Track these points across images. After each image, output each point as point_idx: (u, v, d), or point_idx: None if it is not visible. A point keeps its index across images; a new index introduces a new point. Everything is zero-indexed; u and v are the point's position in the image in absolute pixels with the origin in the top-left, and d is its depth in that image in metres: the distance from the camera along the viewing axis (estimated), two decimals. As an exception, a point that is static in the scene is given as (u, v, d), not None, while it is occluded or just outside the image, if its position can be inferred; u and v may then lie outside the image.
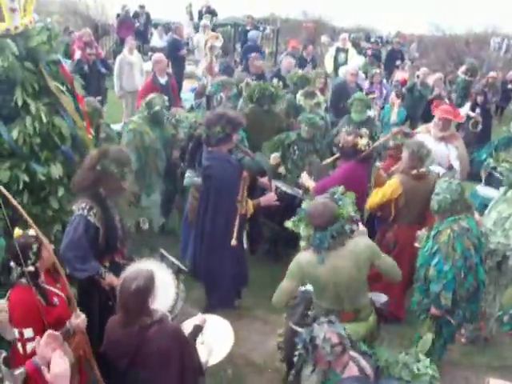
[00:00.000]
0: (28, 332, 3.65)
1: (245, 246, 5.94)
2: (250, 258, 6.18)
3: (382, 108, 10.80)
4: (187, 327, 4.08)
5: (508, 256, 5.25)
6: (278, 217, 6.42)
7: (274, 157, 6.55)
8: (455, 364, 5.47)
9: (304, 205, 4.37)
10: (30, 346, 3.61)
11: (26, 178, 4.67)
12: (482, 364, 5.56)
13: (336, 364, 3.11)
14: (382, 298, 4.66)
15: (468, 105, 11.06)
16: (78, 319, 3.67)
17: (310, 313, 4.45)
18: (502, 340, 5.88)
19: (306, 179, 6.15)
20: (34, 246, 3.67)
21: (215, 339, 4.22)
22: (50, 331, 3.14)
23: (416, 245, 5.12)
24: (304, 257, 4.16)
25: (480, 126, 10.33)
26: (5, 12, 4.42)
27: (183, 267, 4.75)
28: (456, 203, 4.60)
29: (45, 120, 4.71)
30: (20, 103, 4.58)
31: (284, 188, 6.49)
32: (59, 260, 3.79)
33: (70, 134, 4.99)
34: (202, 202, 5.59)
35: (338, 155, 6.36)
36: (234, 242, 5.28)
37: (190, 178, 6.10)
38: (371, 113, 8.53)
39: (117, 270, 4.28)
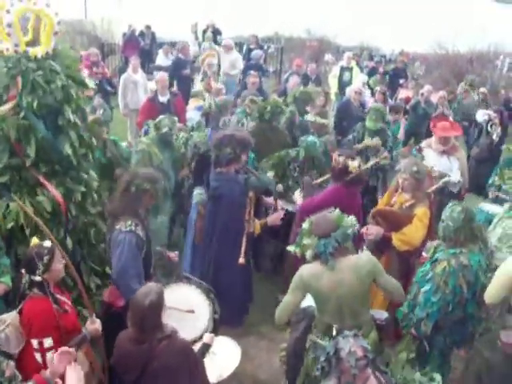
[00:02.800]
0: (48, 341, 3.70)
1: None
2: (256, 275, 6.23)
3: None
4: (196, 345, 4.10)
5: None
6: (281, 234, 6.47)
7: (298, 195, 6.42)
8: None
9: (304, 225, 4.39)
10: (49, 355, 3.61)
11: (83, 189, 4.88)
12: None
13: (359, 378, 3.10)
14: (383, 314, 4.68)
15: (482, 111, 11.00)
16: (95, 324, 3.77)
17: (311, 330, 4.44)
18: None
19: (297, 196, 6.17)
20: (45, 258, 3.72)
21: (222, 357, 4.24)
22: (63, 348, 3.18)
23: (424, 254, 5.11)
24: (307, 269, 4.19)
25: (498, 133, 10.22)
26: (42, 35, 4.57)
27: (210, 287, 4.80)
28: (459, 231, 4.49)
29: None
30: (68, 120, 4.70)
31: (285, 206, 6.52)
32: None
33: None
34: (209, 222, 5.61)
35: (328, 175, 6.23)
36: (241, 260, 5.31)
37: (201, 195, 6.07)
38: None
39: None
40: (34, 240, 3.89)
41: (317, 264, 4.16)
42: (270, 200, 6.10)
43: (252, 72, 10.94)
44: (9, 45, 4.46)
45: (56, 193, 4.61)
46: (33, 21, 4.60)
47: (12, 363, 3.01)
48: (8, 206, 4.50)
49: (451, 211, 4.55)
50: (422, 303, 4.56)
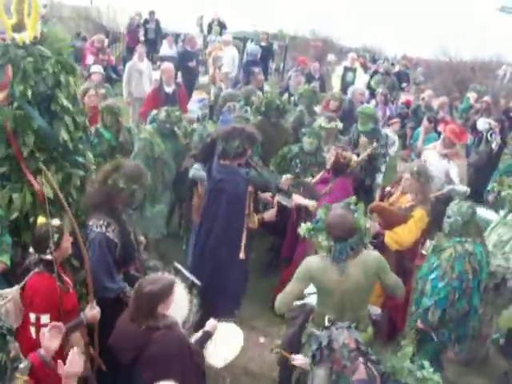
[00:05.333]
0: (45, 318, 3.72)
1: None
2: (251, 270, 6.23)
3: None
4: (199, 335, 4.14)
5: (507, 279, 5.33)
6: (278, 229, 6.52)
7: (286, 178, 6.46)
8: (448, 383, 5.48)
9: (319, 213, 4.39)
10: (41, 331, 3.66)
11: (82, 173, 4.79)
12: (477, 384, 5.61)
13: (349, 368, 3.14)
14: (377, 310, 4.75)
15: (483, 120, 11.09)
16: (94, 311, 3.77)
17: (308, 324, 4.46)
18: (497, 361, 5.93)
19: (300, 199, 6.12)
20: (56, 236, 3.75)
21: (225, 343, 4.27)
22: (53, 323, 3.24)
23: (423, 252, 5.18)
24: (314, 261, 4.20)
25: (498, 141, 10.30)
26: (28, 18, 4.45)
27: (197, 282, 4.82)
28: (467, 225, 4.65)
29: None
30: (61, 105, 4.62)
31: (284, 202, 6.57)
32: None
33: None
34: (209, 214, 5.54)
35: (323, 172, 6.31)
36: (242, 255, 5.35)
37: (197, 170, 6.09)
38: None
39: (130, 281, 4.31)
40: (41, 219, 3.89)
41: (324, 257, 4.17)
42: (267, 195, 6.06)
43: (256, 69, 10.99)
44: None
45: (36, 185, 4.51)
46: (15, 4, 4.41)
47: (16, 344, 3.04)
48: (11, 197, 4.44)
49: (459, 207, 4.68)
50: (429, 291, 4.64)
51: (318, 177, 6.45)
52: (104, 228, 4.28)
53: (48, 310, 3.75)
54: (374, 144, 7.19)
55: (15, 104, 4.37)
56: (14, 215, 4.42)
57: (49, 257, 3.75)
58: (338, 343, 3.13)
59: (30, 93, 4.33)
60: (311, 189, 6.14)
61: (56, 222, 3.85)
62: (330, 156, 6.04)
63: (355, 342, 3.18)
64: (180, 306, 4.44)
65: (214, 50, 11.17)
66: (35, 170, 4.49)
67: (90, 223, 4.34)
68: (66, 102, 4.58)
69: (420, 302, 4.85)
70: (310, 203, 5.97)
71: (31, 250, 3.84)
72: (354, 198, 4.40)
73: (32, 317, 3.75)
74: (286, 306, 4.36)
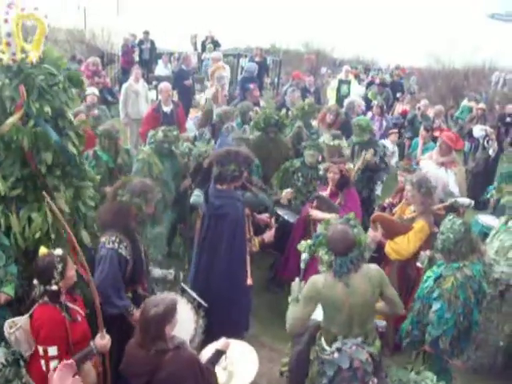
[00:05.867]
0: (52, 350, 3.71)
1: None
2: (255, 286, 6.21)
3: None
4: (209, 351, 4.14)
5: (511, 285, 5.35)
6: (280, 244, 6.52)
7: (287, 192, 6.52)
8: (458, 392, 5.50)
9: (320, 228, 4.43)
10: (53, 364, 3.68)
11: (90, 184, 4.96)
12: (486, 392, 5.61)
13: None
14: (381, 322, 4.76)
15: (479, 127, 11.15)
16: (104, 340, 3.75)
17: (316, 341, 4.46)
18: (505, 368, 5.89)
19: (319, 213, 6.07)
20: (59, 266, 3.75)
21: (239, 365, 4.24)
22: (63, 362, 3.21)
23: (418, 264, 5.19)
24: (319, 280, 4.19)
25: (495, 148, 10.35)
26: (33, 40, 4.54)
27: (203, 303, 4.81)
28: (460, 243, 4.55)
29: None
30: (69, 121, 4.74)
31: (286, 216, 6.58)
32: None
33: None
34: (212, 241, 5.39)
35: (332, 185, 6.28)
36: (250, 281, 5.32)
37: (198, 197, 5.99)
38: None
39: (138, 301, 4.35)
40: (43, 249, 3.89)
41: (329, 274, 4.17)
42: (263, 217, 6.00)
43: (252, 85, 11.05)
44: (7, 54, 4.37)
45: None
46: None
47: (24, 370, 3.04)
48: (30, 217, 4.47)
49: (452, 224, 4.61)
50: (435, 322, 4.57)
51: (328, 189, 6.37)
52: (116, 244, 4.32)
53: (55, 342, 3.73)
54: (367, 155, 7.24)
55: (31, 122, 4.41)
56: (37, 235, 4.45)
57: (54, 287, 3.74)
58: (359, 361, 3.10)
59: (47, 109, 4.39)
60: (328, 202, 6.12)
61: (59, 251, 3.85)
62: (332, 175, 6.10)
63: (371, 357, 3.18)
64: (186, 326, 4.46)
65: (218, 69, 11.18)
66: (53, 188, 4.57)
67: (103, 240, 4.39)
68: (72, 118, 4.71)
69: (415, 322, 4.81)
70: (331, 216, 5.85)
71: (35, 281, 3.82)
72: (352, 214, 4.45)
73: (40, 349, 3.74)
74: (298, 329, 4.36)
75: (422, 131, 9.65)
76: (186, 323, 4.44)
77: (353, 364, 3.07)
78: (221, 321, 5.17)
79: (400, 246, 5.55)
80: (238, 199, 5.34)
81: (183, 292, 4.81)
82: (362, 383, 3.05)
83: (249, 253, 5.41)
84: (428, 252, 5.18)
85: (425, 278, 4.86)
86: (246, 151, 5.47)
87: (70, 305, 3.89)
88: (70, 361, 3.33)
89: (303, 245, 4.51)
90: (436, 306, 4.59)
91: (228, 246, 5.28)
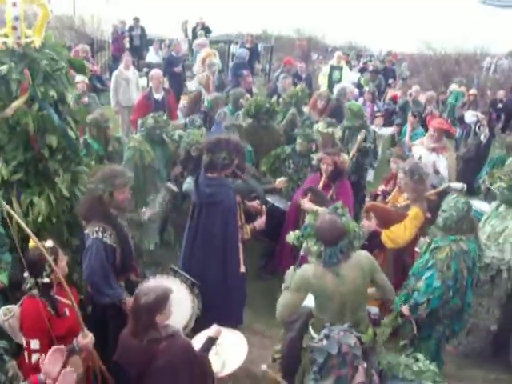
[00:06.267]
0: (34, 343, 3.71)
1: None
2: (247, 274, 6.22)
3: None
4: (201, 338, 4.15)
5: (502, 270, 5.38)
6: (271, 232, 6.49)
7: (281, 181, 6.50)
8: (450, 376, 5.45)
9: (308, 219, 4.42)
10: (34, 357, 3.68)
11: (87, 170, 4.97)
12: (477, 376, 5.66)
13: (348, 372, 3.12)
14: (374, 309, 4.77)
15: (470, 113, 11.17)
16: (86, 339, 3.69)
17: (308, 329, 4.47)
18: (497, 353, 5.94)
19: (310, 205, 6.01)
20: (50, 258, 3.68)
21: (229, 351, 4.28)
22: (55, 347, 3.19)
23: (416, 249, 5.22)
24: (309, 269, 4.18)
25: (486, 134, 10.38)
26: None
27: (196, 281, 4.81)
28: (462, 221, 4.65)
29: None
30: (68, 106, 4.77)
31: (276, 203, 6.57)
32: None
33: None
34: (205, 229, 5.36)
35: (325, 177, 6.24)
36: (243, 268, 5.32)
37: (190, 184, 5.98)
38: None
39: (132, 288, 4.32)
40: (32, 243, 3.80)
41: (318, 264, 4.16)
42: (254, 204, 5.96)
43: (245, 72, 11.00)
44: (12, 38, 4.38)
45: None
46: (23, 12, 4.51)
47: (14, 363, 3.02)
48: (32, 201, 4.50)
49: (456, 202, 4.68)
50: (422, 288, 4.65)
51: (322, 181, 6.31)
52: (100, 234, 4.31)
53: (36, 335, 3.72)
54: (359, 137, 7.23)
55: (35, 106, 4.42)
56: (40, 219, 4.49)
57: (46, 280, 3.73)
58: (348, 346, 3.09)
59: (52, 93, 4.42)
60: (320, 195, 6.07)
61: (49, 243, 3.81)
62: (326, 166, 6.07)
63: (359, 341, 3.18)
64: (183, 306, 4.50)
65: (209, 56, 11.11)
66: (53, 172, 4.62)
67: (86, 231, 4.38)
68: (71, 102, 4.73)
69: (406, 297, 4.87)
70: (321, 209, 5.89)
71: (26, 274, 3.78)
72: (340, 203, 4.43)
73: (24, 341, 3.75)
74: (287, 316, 4.36)
75: (409, 117, 9.68)
76: (182, 302, 4.49)
77: (341, 349, 3.06)
78: (215, 310, 5.15)
79: (396, 235, 5.56)
80: (230, 187, 5.30)
81: (175, 273, 4.80)
82: (352, 368, 3.05)
83: (241, 240, 5.39)
84: (427, 238, 5.19)
85: (421, 255, 4.94)
86: (236, 139, 5.42)
87: (60, 298, 3.85)
88: (62, 346, 3.31)
89: (292, 236, 4.51)
90: (427, 273, 4.67)
91: (221, 234, 5.26)
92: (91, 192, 4.43)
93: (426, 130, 8.23)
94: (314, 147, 7.11)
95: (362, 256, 4.25)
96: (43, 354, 3.38)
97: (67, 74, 4.63)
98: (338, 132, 7.23)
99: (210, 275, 5.33)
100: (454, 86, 14.07)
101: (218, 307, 5.25)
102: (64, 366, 3.25)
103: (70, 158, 4.84)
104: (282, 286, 4.48)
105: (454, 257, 4.56)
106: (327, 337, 3.18)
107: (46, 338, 3.73)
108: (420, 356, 3.51)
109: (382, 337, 4.82)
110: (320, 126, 7.14)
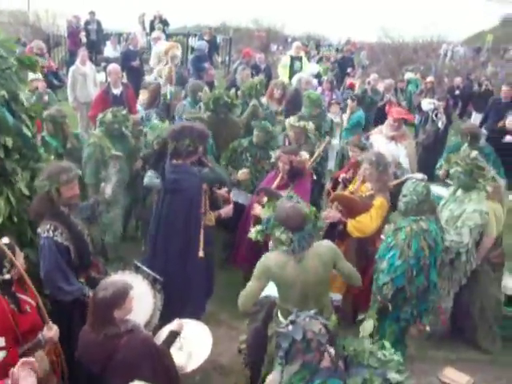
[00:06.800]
0: (0, 341, 3.63)
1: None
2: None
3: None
4: (165, 333, 4.15)
5: (461, 253, 5.50)
6: (230, 223, 6.48)
7: (243, 172, 6.50)
8: (412, 358, 5.61)
9: (265, 212, 4.43)
10: (1, 355, 3.60)
11: (44, 165, 4.80)
12: (438, 357, 5.78)
13: (313, 357, 3.15)
14: (337, 296, 4.84)
15: (427, 100, 11.34)
16: (51, 332, 3.68)
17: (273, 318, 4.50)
18: (457, 334, 6.12)
19: (259, 210, 5.75)
20: (8, 256, 3.64)
21: (194, 343, 4.30)
22: (22, 360, 3.09)
23: (382, 237, 5.31)
24: (271, 258, 4.20)
25: (444, 121, 10.57)
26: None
27: (158, 277, 4.80)
28: (422, 204, 4.75)
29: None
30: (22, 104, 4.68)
31: (239, 199, 6.60)
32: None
33: None
34: (168, 215, 5.42)
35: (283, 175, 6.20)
36: (201, 253, 5.31)
37: (151, 178, 6.06)
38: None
39: (93, 285, 4.25)
40: None
41: (280, 252, 4.18)
42: (222, 192, 6.03)
43: (207, 65, 10.96)
44: None
45: None
46: None
47: None
48: None
49: (415, 186, 4.80)
50: (386, 269, 4.75)
51: (277, 180, 6.26)
52: (51, 232, 4.26)
53: (1, 333, 3.63)
54: (327, 138, 7.30)
55: None
56: (0, 219, 4.41)
57: (7, 276, 3.67)
58: (312, 332, 3.13)
59: (3, 92, 4.34)
60: (274, 194, 5.87)
61: (5, 239, 3.75)
62: (282, 165, 6.05)
63: (325, 328, 3.23)
64: (145, 302, 4.47)
65: (171, 48, 11.01)
66: (12, 171, 4.55)
67: (39, 230, 4.33)
68: (24, 101, 4.64)
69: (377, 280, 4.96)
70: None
71: None
72: (292, 192, 4.48)
73: None
74: (249, 305, 4.34)
75: (348, 101, 10.12)
76: (143, 298, 4.45)
77: (306, 335, 3.09)
78: (176, 300, 5.19)
79: (363, 224, 5.62)
80: (194, 174, 5.35)
81: (137, 269, 4.79)
82: (318, 353, 3.10)
83: (203, 226, 5.40)
84: (392, 225, 5.28)
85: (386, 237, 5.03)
86: (200, 126, 5.49)
87: (20, 295, 3.79)
88: (30, 359, 3.24)
89: (253, 233, 4.53)
90: (389, 254, 4.77)
91: (183, 221, 5.33)
92: (39, 189, 4.36)
93: (385, 119, 8.31)
94: (286, 142, 7.14)
95: (323, 246, 4.30)
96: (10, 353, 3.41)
97: (17, 71, 4.54)
98: (310, 124, 7.18)
99: (171, 262, 5.38)
100: (409, 74, 14.29)
101: (179, 296, 5.28)
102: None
103: (28, 156, 4.78)
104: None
105: (414, 235, 4.66)
106: (293, 322, 3.22)
107: (11, 334, 3.67)
108: (387, 344, 3.56)
109: (368, 329, 4.88)
110: (292, 120, 7.15)
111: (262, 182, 6.39)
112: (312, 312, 3.32)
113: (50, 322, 3.71)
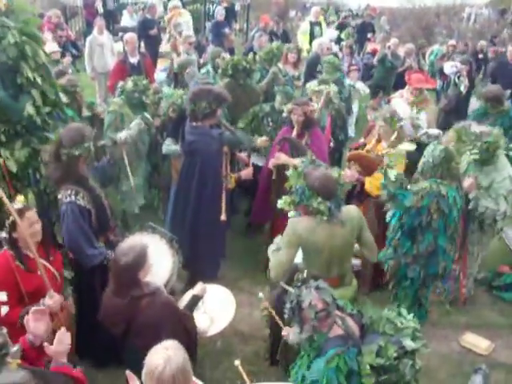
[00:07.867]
0: (2, 295, 3.70)
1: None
2: (230, 232, 6.24)
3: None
4: (188, 297, 4.17)
5: (497, 220, 5.36)
6: (250, 187, 6.54)
7: (262, 140, 6.43)
8: (434, 324, 5.63)
9: (294, 181, 4.34)
10: (3, 310, 3.68)
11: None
12: (460, 323, 5.75)
13: (321, 326, 3.21)
14: (356, 261, 4.82)
15: (450, 63, 11.10)
16: (52, 299, 3.70)
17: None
18: (480, 300, 6.09)
19: (286, 158, 5.84)
20: (11, 218, 3.68)
21: (217, 308, 4.33)
22: (33, 308, 3.16)
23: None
24: (300, 223, 4.16)
25: (466, 84, 10.33)
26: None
27: (174, 236, 4.82)
28: (437, 168, 4.70)
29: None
30: (27, 78, 4.58)
31: (255, 161, 6.57)
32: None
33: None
34: (186, 177, 5.54)
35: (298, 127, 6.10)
36: (223, 217, 5.34)
37: (169, 146, 6.12)
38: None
39: (111, 248, 4.32)
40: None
41: (308, 218, 4.15)
42: (243, 156, 6.11)
43: (227, 30, 10.83)
44: None
45: None
46: None
47: (4, 331, 3.02)
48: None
49: (433, 149, 4.76)
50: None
51: (294, 132, 6.14)
52: (73, 197, 4.28)
53: (4, 287, 3.71)
54: (327, 88, 7.18)
55: None
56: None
57: (5, 235, 3.75)
58: (305, 304, 3.22)
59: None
60: (296, 143, 5.95)
61: (19, 200, 3.78)
62: (297, 117, 5.94)
63: (323, 303, 3.23)
64: (165, 260, 4.50)
65: (174, 16, 10.93)
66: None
67: (59, 196, 4.35)
68: (31, 75, 4.54)
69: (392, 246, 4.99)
70: (297, 161, 5.63)
71: None
72: (310, 154, 4.44)
73: None
74: (282, 275, 4.28)
75: None
76: (162, 257, 4.48)
77: (300, 304, 3.25)
78: (195, 259, 5.31)
79: (380, 181, 5.57)
80: (212, 136, 5.40)
81: (153, 229, 4.81)
82: (326, 322, 3.22)
83: (224, 189, 5.46)
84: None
85: None
86: (218, 89, 5.56)
87: (30, 255, 3.75)
88: (42, 308, 3.29)
89: (283, 202, 4.47)
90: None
91: (200, 181, 5.42)
92: (67, 157, 4.30)
93: (405, 84, 8.16)
94: None
95: (352, 210, 4.28)
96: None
97: (17, 43, 4.43)
98: (333, 87, 7.15)
99: (189, 222, 5.51)
100: (437, 46, 13.99)
101: (196, 255, 5.41)
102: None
103: (24, 132, 4.72)
104: (270, 248, 4.46)
105: (429, 193, 4.62)
106: (297, 287, 3.39)
107: (15, 291, 3.73)
108: (403, 310, 3.55)
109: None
110: (312, 85, 7.14)
111: (276, 139, 6.32)
112: (315, 284, 3.35)
113: (51, 291, 3.72)
